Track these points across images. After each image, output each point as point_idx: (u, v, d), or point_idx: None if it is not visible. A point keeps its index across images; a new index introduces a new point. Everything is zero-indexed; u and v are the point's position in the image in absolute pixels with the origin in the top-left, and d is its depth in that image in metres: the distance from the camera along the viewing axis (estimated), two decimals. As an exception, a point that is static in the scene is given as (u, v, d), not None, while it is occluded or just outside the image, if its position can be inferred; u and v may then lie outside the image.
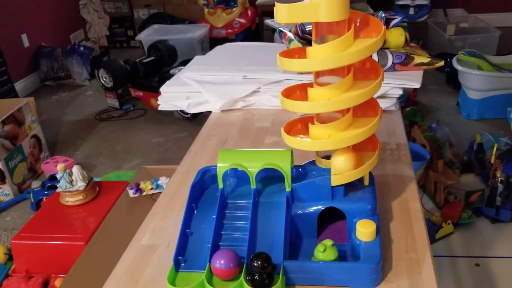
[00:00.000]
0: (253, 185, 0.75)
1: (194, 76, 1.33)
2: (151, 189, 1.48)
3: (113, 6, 4.73)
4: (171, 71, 3.13)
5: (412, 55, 1.20)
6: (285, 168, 0.73)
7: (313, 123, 0.74)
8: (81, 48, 3.91)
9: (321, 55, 0.66)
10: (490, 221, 1.83)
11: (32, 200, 2.27)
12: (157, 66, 3.28)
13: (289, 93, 0.76)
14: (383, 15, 1.29)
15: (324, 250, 0.66)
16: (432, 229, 1.74)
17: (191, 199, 0.77)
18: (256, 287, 0.64)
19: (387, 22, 1.27)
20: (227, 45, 1.60)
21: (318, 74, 0.71)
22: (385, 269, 0.68)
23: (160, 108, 1.31)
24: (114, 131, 3.12)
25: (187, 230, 0.74)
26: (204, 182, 0.81)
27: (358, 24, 0.70)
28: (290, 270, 0.66)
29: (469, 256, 1.68)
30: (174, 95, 1.30)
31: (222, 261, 0.65)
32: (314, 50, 0.67)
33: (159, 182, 1.48)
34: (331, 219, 0.77)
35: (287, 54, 0.72)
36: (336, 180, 0.72)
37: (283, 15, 0.65)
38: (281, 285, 0.64)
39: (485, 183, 2.02)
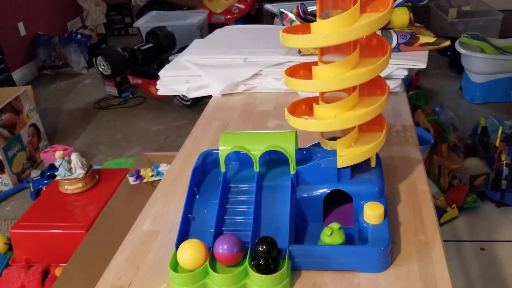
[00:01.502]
0: (256, 168, 0.72)
1: (194, 59, 1.30)
2: (152, 176, 1.45)
3: (110, -7, 4.67)
4: (169, 58, 3.08)
5: (417, 35, 1.17)
6: (290, 150, 0.71)
7: (317, 103, 0.72)
8: (79, 36, 3.86)
9: (326, 30, 0.63)
10: (495, 205, 1.81)
11: (32, 190, 2.25)
12: (155, 53, 3.24)
13: (292, 72, 0.73)
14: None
15: (331, 234, 0.64)
16: (437, 213, 1.71)
17: (193, 184, 0.75)
18: (261, 272, 0.62)
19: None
20: (226, 28, 1.57)
21: (323, 51, 0.69)
22: (394, 253, 0.66)
23: (159, 92, 1.28)
24: (113, 119, 3.09)
25: (189, 215, 0.71)
26: (205, 166, 0.78)
27: None
28: (296, 255, 0.64)
29: (474, 240, 1.66)
30: (173, 79, 1.27)
31: (225, 246, 0.63)
32: (318, 25, 0.64)
33: (159, 169, 1.46)
34: (337, 202, 0.75)
35: (290, 30, 0.69)
36: (342, 161, 0.69)
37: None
38: (287, 269, 0.62)
39: (489, 167, 2.00)
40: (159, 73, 1.28)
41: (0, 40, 3.28)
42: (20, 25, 3.72)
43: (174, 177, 0.91)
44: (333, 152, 0.71)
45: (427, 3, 3.97)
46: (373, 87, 0.71)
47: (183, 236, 0.69)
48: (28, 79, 3.78)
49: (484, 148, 2.07)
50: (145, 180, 1.45)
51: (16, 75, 3.58)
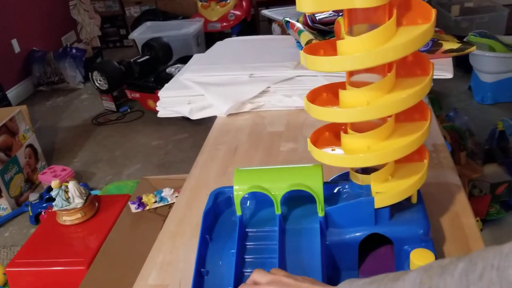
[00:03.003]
0: (277, 211, 0.62)
1: (195, 77, 1.21)
2: (155, 202, 1.35)
3: (103, 5, 4.58)
4: (167, 70, 2.99)
5: (440, 41, 1.07)
6: (317, 189, 0.60)
7: (345, 132, 0.62)
8: (73, 51, 3.77)
9: (356, 50, 0.53)
10: (520, 214, 1.71)
11: (31, 214, 2.15)
12: (152, 65, 3.14)
13: (314, 96, 0.63)
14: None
15: (373, 291, 0.54)
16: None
17: (205, 229, 0.64)
18: None
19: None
20: (227, 40, 1.47)
21: (352, 72, 0.58)
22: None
23: (160, 115, 1.18)
24: (112, 135, 2.99)
25: (202, 270, 0.61)
26: (217, 206, 0.68)
27: (399, 7, 0.57)
28: (333, 317, 0.54)
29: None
30: (174, 100, 1.17)
31: None
32: (347, 44, 0.54)
33: (162, 195, 1.36)
34: (372, 245, 0.65)
35: (311, 50, 0.59)
36: (381, 201, 0.59)
37: (307, 3, 0.52)
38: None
39: (509, 173, 1.90)
40: (159, 94, 1.18)
41: (-7, 59, 3.18)
42: (14, 42, 3.62)
43: (181, 215, 0.81)
44: (366, 188, 0.61)
45: (429, 1, 3.88)
46: (411, 111, 0.61)
47: (196, 296, 0.59)
48: (24, 96, 3.68)
49: (502, 153, 1.97)
50: (147, 207, 1.35)
51: (11, 93, 3.48)
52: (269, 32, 3.43)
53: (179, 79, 1.23)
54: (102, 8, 4.61)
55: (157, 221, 1.17)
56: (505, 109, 2.58)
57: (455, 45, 1.05)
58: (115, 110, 3.25)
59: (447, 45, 1.05)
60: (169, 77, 2.86)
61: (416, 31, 0.52)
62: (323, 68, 0.55)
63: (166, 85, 1.21)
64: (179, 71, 2.92)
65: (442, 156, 0.85)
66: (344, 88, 0.59)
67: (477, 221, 1.61)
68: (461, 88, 2.92)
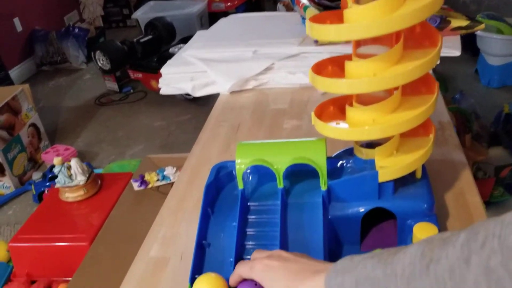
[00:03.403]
0: (280, 184, 0.61)
1: (198, 53, 1.19)
2: (157, 180, 1.35)
3: (106, -15, 4.53)
4: (170, 50, 2.96)
5: (448, 18, 1.04)
6: (320, 163, 0.59)
7: (351, 105, 0.60)
8: (76, 30, 3.74)
9: (364, 18, 0.51)
10: (524, 198, 1.70)
11: (34, 192, 2.16)
12: (155, 45, 3.12)
13: (320, 68, 0.61)
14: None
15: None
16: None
17: (206, 203, 0.64)
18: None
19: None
20: (231, 17, 1.45)
21: (358, 43, 0.57)
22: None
23: (162, 92, 1.16)
24: (114, 116, 2.98)
25: (203, 242, 0.61)
26: (219, 181, 0.68)
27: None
28: (335, 290, 0.53)
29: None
30: (176, 77, 1.16)
31: None
32: (354, 12, 0.52)
33: (165, 173, 1.35)
34: (375, 220, 0.64)
35: (318, 19, 0.57)
36: (385, 174, 0.58)
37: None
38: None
39: (514, 156, 1.88)
40: (161, 70, 1.17)
41: (-5, 37, 3.16)
42: (16, 21, 3.60)
43: (183, 190, 0.80)
44: (371, 162, 0.60)
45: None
46: (417, 84, 0.59)
47: (197, 267, 0.59)
48: (26, 76, 3.67)
49: (508, 136, 1.95)
50: (150, 186, 1.35)
51: (13, 73, 3.47)
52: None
53: (182, 56, 1.22)
54: (105, -13, 4.56)
55: (160, 199, 1.16)
56: (512, 93, 2.56)
57: (463, 22, 1.03)
58: (118, 90, 3.23)
59: (455, 23, 1.03)
60: (172, 56, 2.84)
61: (425, 0, 0.50)
62: (329, 37, 0.53)
63: (168, 62, 1.20)
64: (182, 51, 2.90)
65: (448, 134, 0.84)
66: (351, 60, 0.58)
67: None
68: (467, 71, 2.89)
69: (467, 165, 0.75)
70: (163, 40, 3.19)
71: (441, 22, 1.03)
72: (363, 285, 0.41)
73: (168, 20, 3.28)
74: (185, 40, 3.17)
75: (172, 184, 1.35)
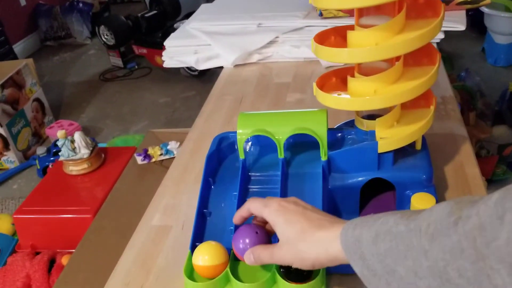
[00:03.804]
0: (281, 155, 0.62)
1: (202, 26, 1.18)
2: (161, 155, 1.36)
3: (111, -41, 4.47)
4: (175, 25, 2.94)
5: (454, -8, 1.03)
6: (321, 133, 0.60)
7: (352, 75, 0.60)
8: (80, 5, 3.71)
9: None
10: (526, 176, 1.71)
11: (38, 167, 2.18)
12: (160, 20, 3.10)
13: (322, 38, 0.61)
14: None
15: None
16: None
17: (208, 173, 0.65)
18: (292, 280, 0.52)
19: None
20: (236, -9, 1.43)
21: (361, 12, 0.57)
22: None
23: (165, 65, 1.16)
24: (119, 91, 2.98)
25: (204, 210, 0.62)
26: (221, 151, 0.68)
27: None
28: (333, 258, 0.54)
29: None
30: (180, 50, 1.16)
31: (247, 240, 0.52)
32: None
33: (168, 147, 1.36)
34: (374, 192, 0.65)
35: None
36: (384, 145, 0.58)
37: None
38: (322, 276, 0.53)
39: (518, 135, 1.88)
40: (165, 43, 1.16)
41: (-1, 12, 3.15)
42: (20, -5, 3.58)
43: (185, 162, 0.81)
44: (371, 134, 0.60)
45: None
46: (419, 55, 0.59)
47: (198, 235, 0.60)
48: (31, 51, 3.66)
49: (512, 115, 1.94)
50: (153, 160, 1.36)
51: (17, 47, 3.46)
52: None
53: (186, 29, 1.21)
54: (109, -38, 4.50)
55: (163, 173, 1.17)
56: (518, 72, 2.53)
57: (469, -4, 1.02)
58: (122, 66, 3.22)
59: (461, -4, 1.02)
60: (176, 33, 2.82)
61: (429, -32, 0.50)
62: (332, 5, 0.53)
63: (172, 35, 1.19)
64: (187, 27, 2.88)
65: (450, 108, 0.84)
66: (353, 30, 0.58)
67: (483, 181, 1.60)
68: (474, 49, 2.85)
69: (468, 139, 0.75)
70: (168, 16, 3.17)
71: (447, -4, 1.02)
72: (383, 239, 0.39)
73: (173, -4, 3.25)
74: (190, 15, 3.14)
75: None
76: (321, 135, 0.60)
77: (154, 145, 1.39)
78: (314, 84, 0.62)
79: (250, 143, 0.68)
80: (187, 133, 0.94)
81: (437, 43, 2.53)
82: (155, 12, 3.10)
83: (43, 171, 2.15)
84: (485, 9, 2.52)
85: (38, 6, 3.72)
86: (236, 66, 1.12)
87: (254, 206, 0.52)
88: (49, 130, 2.44)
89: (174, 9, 3.21)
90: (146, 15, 3.06)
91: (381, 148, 0.58)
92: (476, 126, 1.77)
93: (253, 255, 0.51)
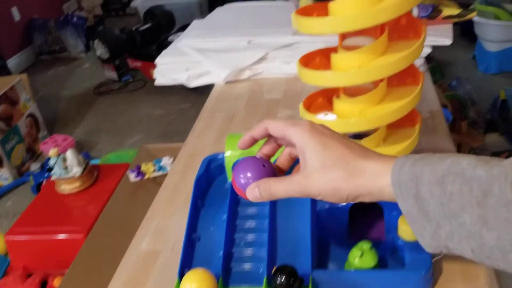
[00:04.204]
0: (269, 176, 0.62)
1: (193, 43, 1.19)
2: (154, 171, 1.36)
3: (105, -28, 4.50)
4: (169, 38, 2.95)
5: (439, 7, 1.04)
6: (308, 155, 0.60)
7: (338, 96, 0.61)
8: (75, 19, 3.73)
9: (348, 11, 0.52)
10: (520, 184, 1.70)
11: (32, 183, 2.17)
12: (154, 33, 3.11)
13: (307, 60, 0.62)
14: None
15: (361, 255, 0.54)
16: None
17: (196, 196, 0.65)
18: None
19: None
20: (227, 6, 1.44)
21: (344, 35, 0.57)
22: (435, 273, 0.56)
23: (157, 83, 1.17)
24: (114, 105, 2.99)
25: (193, 235, 0.62)
26: (210, 173, 0.68)
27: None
28: (321, 281, 0.54)
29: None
30: (171, 67, 1.16)
31: (252, 174, 0.44)
32: (339, 4, 0.52)
33: (161, 163, 1.36)
34: (364, 213, 0.65)
35: (304, 12, 0.57)
36: (371, 166, 0.58)
37: None
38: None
39: (511, 142, 1.88)
40: (156, 61, 1.17)
41: (-7, 27, 3.15)
42: (14, 10, 3.58)
43: (175, 183, 0.81)
44: (358, 154, 0.60)
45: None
46: (403, 75, 0.60)
47: (187, 261, 0.59)
48: (25, 65, 3.67)
49: (504, 122, 1.95)
50: (146, 176, 1.36)
51: (12, 62, 3.47)
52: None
53: (177, 46, 1.22)
54: (103, -25, 4.53)
55: (156, 190, 1.17)
56: (509, 78, 2.55)
57: (455, 11, 1.03)
58: (117, 79, 3.23)
59: (447, 11, 1.03)
60: (170, 46, 2.84)
61: (409, -7, 0.51)
62: (314, 31, 0.54)
63: (163, 52, 1.20)
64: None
65: (437, 122, 0.85)
66: (337, 52, 0.58)
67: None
68: (465, 57, 2.88)
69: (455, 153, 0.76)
70: (162, 29, 3.18)
71: (432, 11, 1.02)
72: (452, 181, 0.35)
73: (167, 8, 3.26)
74: (184, 28, 3.14)
75: (169, 174, 1.35)
76: (308, 157, 0.60)
77: (147, 161, 1.39)
78: (301, 105, 0.63)
79: (238, 164, 0.68)
80: (181, 148, 0.94)
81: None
82: (149, 25, 3.12)
83: (37, 187, 2.14)
84: (475, 18, 2.54)
85: (32, 21, 3.73)
86: (227, 82, 1.12)
87: (275, 125, 0.44)
88: (43, 146, 2.43)
89: (168, 22, 3.22)
90: (140, 28, 3.07)
91: (368, 169, 0.58)
92: (469, 135, 1.78)
93: (259, 188, 0.43)
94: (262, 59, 1.11)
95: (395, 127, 0.63)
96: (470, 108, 1.88)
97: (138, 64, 3.04)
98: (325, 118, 0.60)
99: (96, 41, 3.03)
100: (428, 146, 0.78)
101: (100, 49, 3.03)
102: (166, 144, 1.51)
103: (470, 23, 2.66)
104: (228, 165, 0.62)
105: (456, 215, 0.35)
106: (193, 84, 1.13)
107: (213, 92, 1.10)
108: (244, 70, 1.11)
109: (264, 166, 0.43)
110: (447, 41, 0.99)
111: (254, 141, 0.46)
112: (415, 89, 0.58)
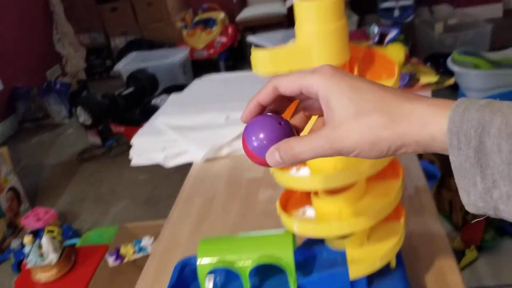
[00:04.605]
0: (246, 286, 0.57)
1: (170, 121, 1.16)
2: (134, 253, 1.29)
3: (88, 37, 4.57)
4: (153, 101, 2.96)
5: (417, 76, 1.03)
6: (287, 261, 0.55)
7: (316, 194, 0.57)
8: (58, 86, 3.73)
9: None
10: (515, 239, 1.66)
11: (13, 261, 2.08)
12: (138, 97, 3.11)
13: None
14: (376, 29, 1.13)
15: None
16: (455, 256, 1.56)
17: (169, 308, 0.59)
18: None
19: (381, 39, 1.11)
20: (206, 78, 1.43)
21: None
22: None
23: (133, 163, 1.13)
24: (98, 171, 2.93)
25: None
26: (184, 279, 0.63)
27: (361, 63, 0.53)
28: None
29: (501, 285, 1.50)
30: (148, 146, 1.12)
31: (267, 134, 0.36)
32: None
33: (142, 244, 1.30)
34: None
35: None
36: (356, 271, 0.54)
37: (264, 64, 0.49)
38: None
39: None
40: (131, 141, 1.13)
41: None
42: (-3, 80, 3.59)
43: (149, 285, 0.75)
44: (342, 254, 0.56)
45: (412, 19, 3.89)
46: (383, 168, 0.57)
47: None
48: (8, 134, 3.63)
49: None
50: (126, 260, 1.29)
51: (-6, 132, 3.43)
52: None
53: (154, 124, 1.19)
54: (87, 40, 4.60)
55: (136, 274, 1.11)
56: (494, 127, 2.55)
57: (433, 78, 1.02)
58: (101, 144, 3.19)
59: (424, 79, 1.02)
60: (155, 109, 2.81)
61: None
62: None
63: (139, 131, 1.17)
64: (164, 102, 2.89)
65: (424, 200, 0.81)
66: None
67: (472, 250, 1.56)
68: (449, 106, 2.89)
69: (445, 237, 0.71)
70: (146, 92, 3.18)
71: (410, 80, 1.01)
72: None
73: (150, 72, 3.28)
74: (168, 90, 3.17)
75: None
76: (288, 264, 0.55)
77: (126, 242, 1.32)
78: (278, 203, 0.59)
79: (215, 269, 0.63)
80: (162, 225, 0.89)
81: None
82: (132, 89, 3.12)
83: (18, 265, 2.05)
84: (455, 68, 2.58)
85: (15, 89, 3.73)
86: (206, 160, 1.08)
87: (286, 80, 0.36)
88: (24, 220, 2.35)
89: (152, 85, 3.23)
90: (123, 93, 3.07)
91: (353, 274, 0.54)
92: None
93: (279, 151, 0.35)
94: (241, 135, 1.08)
95: (376, 179, 0.59)
96: (457, 162, 1.85)
97: (121, 129, 3.01)
98: (304, 221, 0.56)
99: (79, 108, 3.01)
100: (417, 230, 0.74)
101: (82, 116, 3.01)
102: (146, 222, 1.45)
103: (450, 73, 2.70)
104: (201, 275, 0.57)
105: None
106: (171, 164, 1.10)
107: (191, 172, 1.06)
108: (223, 147, 1.08)
109: (280, 124, 0.36)
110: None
111: (262, 109, 0.38)
112: (396, 183, 0.55)
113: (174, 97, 1.35)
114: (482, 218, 0.34)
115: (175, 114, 1.19)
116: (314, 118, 0.40)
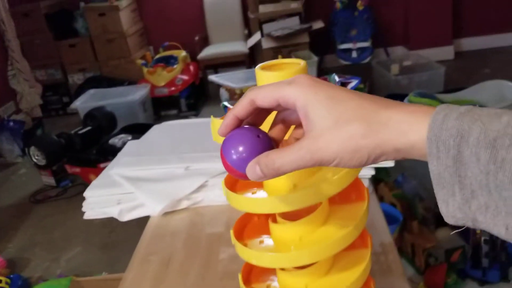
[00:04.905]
0: None
1: (126, 172, 1.11)
2: (86, 313, 1.21)
3: (45, 73, 4.46)
4: (110, 141, 2.87)
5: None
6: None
7: (274, 220, 0.53)
8: (11, 124, 3.59)
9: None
10: (477, 283, 1.67)
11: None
12: (94, 136, 3.02)
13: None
14: (337, 78, 1.13)
15: None
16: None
17: None
18: None
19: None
20: (165, 124, 1.39)
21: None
22: None
23: (86, 217, 1.06)
24: (51, 214, 2.79)
25: None
26: None
27: None
28: None
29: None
30: (102, 199, 1.06)
31: (246, 147, 0.36)
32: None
33: (95, 304, 1.21)
34: None
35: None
36: None
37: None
38: None
39: (462, 237, 1.87)
40: (84, 193, 1.07)
41: None
42: None
43: None
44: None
45: (369, 60, 4.01)
46: (346, 190, 0.52)
47: None
48: (-45, 175, 3.43)
49: (453, 216, 1.94)
50: (77, 320, 1.20)
51: None
52: (217, 95, 3.40)
53: (108, 174, 1.13)
54: (44, 76, 4.49)
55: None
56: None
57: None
58: (55, 185, 3.06)
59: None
60: (112, 148, 2.73)
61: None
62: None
63: (93, 183, 1.10)
64: (122, 141, 2.80)
65: (391, 260, 0.78)
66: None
67: (435, 296, 1.55)
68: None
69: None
70: (103, 131, 3.10)
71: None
72: (507, 146, 0.28)
73: (108, 110, 3.21)
74: (126, 128, 3.09)
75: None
76: None
77: (79, 299, 1.24)
78: (231, 232, 0.54)
79: None
80: (116, 280, 0.82)
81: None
82: (89, 128, 3.03)
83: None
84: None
85: (-36, 127, 3.55)
86: (165, 214, 1.03)
87: (263, 93, 0.36)
88: (-32, 271, 2.19)
89: (109, 123, 3.16)
90: (79, 132, 2.98)
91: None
92: (421, 234, 1.75)
93: (259, 164, 0.35)
94: (201, 187, 1.04)
95: (344, 249, 0.56)
96: (419, 204, 1.88)
97: (76, 170, 2.90)
98: (261, 251, 0.52)
99: (32, 148, 2.89)
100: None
101: (36, 157, 2.88)
102: (100, 277, 1.37)
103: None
104: None
105: (502, 188, 0.29)
106: (126, 218, 1.04)
107: (148, 228, 1.01)
108: (182, 199, 1.03)
109: (259, 136, 0.36)
110: (390, 163, 0.97)
111: (240, 122, 0.38)
112: (361, 206, 0.52)
113: (131, 144, 1.30)
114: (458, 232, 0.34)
115: (131, 164, 1.13)
116: (292, 128, 0.40)
